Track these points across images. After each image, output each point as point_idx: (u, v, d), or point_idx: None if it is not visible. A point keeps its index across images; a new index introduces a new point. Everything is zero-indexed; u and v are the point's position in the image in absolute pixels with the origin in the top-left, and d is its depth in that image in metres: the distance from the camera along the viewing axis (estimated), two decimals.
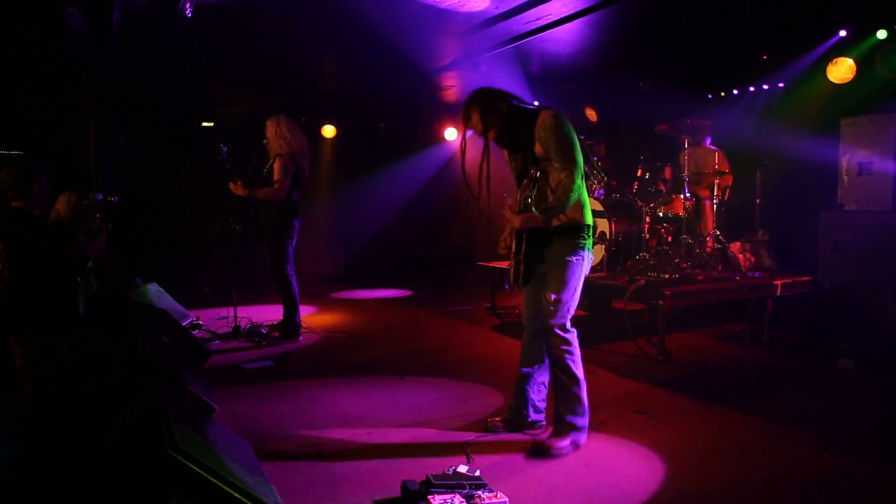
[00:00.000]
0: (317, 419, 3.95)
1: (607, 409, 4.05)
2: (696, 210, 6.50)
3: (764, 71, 7.04)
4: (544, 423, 3.67)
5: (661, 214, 6.28)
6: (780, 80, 7.06)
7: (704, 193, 6.54)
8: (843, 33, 6.18)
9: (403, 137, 10.66)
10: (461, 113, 3.50)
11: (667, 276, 5.63)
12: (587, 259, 3.44)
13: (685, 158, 6.26)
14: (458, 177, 3.55)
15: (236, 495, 2.28)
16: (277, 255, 5.84)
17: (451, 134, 10.59)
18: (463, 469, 2.98)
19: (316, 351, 5.69)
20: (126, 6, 5.51)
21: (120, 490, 2.28)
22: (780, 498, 2.94)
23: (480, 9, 5.73)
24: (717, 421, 3.89)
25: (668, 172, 6.33)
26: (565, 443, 3.35)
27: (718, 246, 6.34)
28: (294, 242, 5.94)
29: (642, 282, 5.41)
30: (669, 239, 6.53)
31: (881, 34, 5.97)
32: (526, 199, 3.29)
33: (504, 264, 7.25)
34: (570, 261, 3.36)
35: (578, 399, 3.43)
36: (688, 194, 6.13)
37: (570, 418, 3.41)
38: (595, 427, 3.66)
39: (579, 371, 3.45)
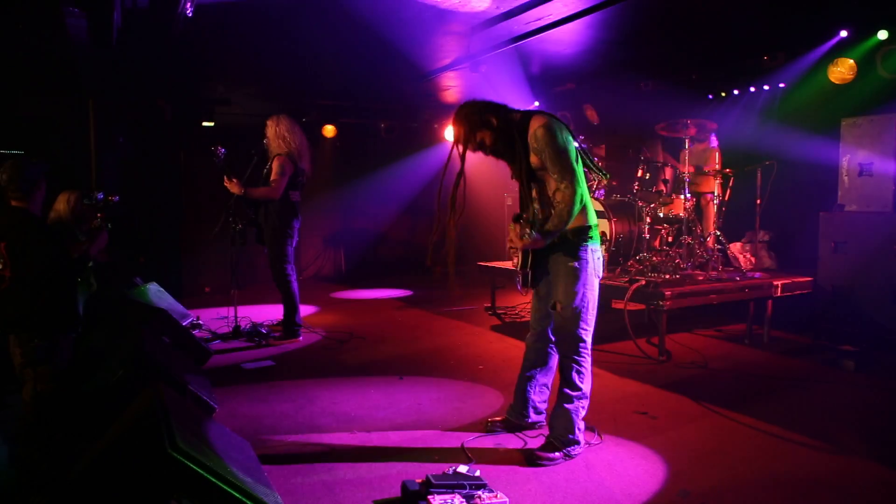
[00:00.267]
0: (317, 419, 3.95)
1: (607, 409, 4.05)
2: (697, 210, 6.50)
3: (764, 71, 7.03)
4: (544, 424, 3.65)
5: (661, 215, 6.28)
6: (780, 81, 7.06)
7: (705, 188, 6.56)
8: (843, 34, 6.18)
9: (403, 137, 10.67)
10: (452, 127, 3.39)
11: (667, 277, 5.64)
12: (593, 260, 3.34)
13: (685, 158, 6.26)
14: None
15: (236, 495, 2.28)
16: (277, 254, 5.83)
17: (450, 134, 10.57)
18: (463, 469, 2.98)
19: (316, 351, 5.69)
20: (126, 6, 5.50)
21: (120, 490, 2.28)
22: (781, 498, 2.94)
23: (481, 9, 5.73)
24: (718, 421, 3.89)
25: (668, 172, 6.33)
26: (557, 455, 3.28)
27: (719, 246, 6.35)
28: (294, 242, 5.94)
29: (643, 282, 5.41)
30: (670, 239, 6.54)
31: (882, 35, 5.96)
32: (529, 219, 3.23)
33: (504, 264, 7.26)
34: (574, 266, 3.29)
35: (577, 411, 3.36)
36: (688, 194, 6.13)
37: (566, 428, 3.34)
38: (595, 427, 3.66)
39: (585, 383, 3.38)
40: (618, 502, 2.90)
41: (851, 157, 5.85)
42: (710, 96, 7.84)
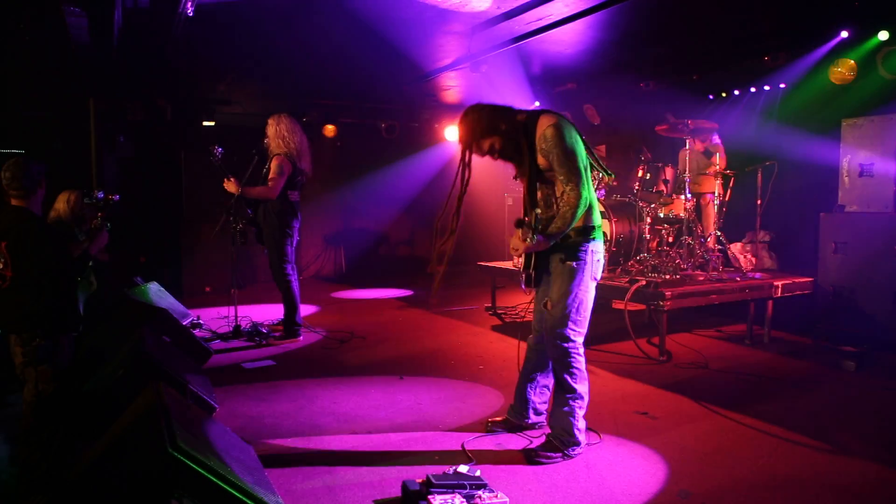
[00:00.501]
0: (317, 419, 3.95)
1: (608, 409, 4.05)
2: (697, 210, 6.50)
3: (765, 72, 7.02)
4: (544, 424, 3.65)
5: (661, 215, 6.28)
6: (781, 81, 7.05)
7: (705, 188, 6.55)
8: (844, 34, 6.18)
9: (404, 137, 10.67)
10: (458, 133, 3.33)
11: (668, 277, 5.64)
12: (591, 262, 3.32)
13: (685, 157, 6.26)
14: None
15: (237, 494, 2.27)
16: (277, 254, 5.83)
17: (451, 134, 10.60)
18: (463, 469, 2.98)
19: (316, 351, 5.69)
20: (127, 6, 5.50)
21: (121, 489, 2.28)
22: (781, 499, 2.94)
23: (482, 9, 5.73)
24: (718, 421, 3.89)
25: (668, 172, 6.33)
26: (557, 454, 3.28)
27: (719, 247, 6.35)
28: (294, 242, 5.94)
29: (643, 282, 5.41)
30: (670, 239, 6.53)
31: (883, 35, 5.96)
32: (531, 222, 3.20)
33: (504, 264, 7.26)
34: (571, 266, 3.28)
35: (573, 412, 3.34)
36: (689, 195, 6.13)
37: (564, 429, 3.33)
38: (595, 427, 3.66)
39: (579, 384, 3.35)
40: (618, 502, 2.90)
41: (852, 158, 5.84)
42: (711, 97, 7.84)
